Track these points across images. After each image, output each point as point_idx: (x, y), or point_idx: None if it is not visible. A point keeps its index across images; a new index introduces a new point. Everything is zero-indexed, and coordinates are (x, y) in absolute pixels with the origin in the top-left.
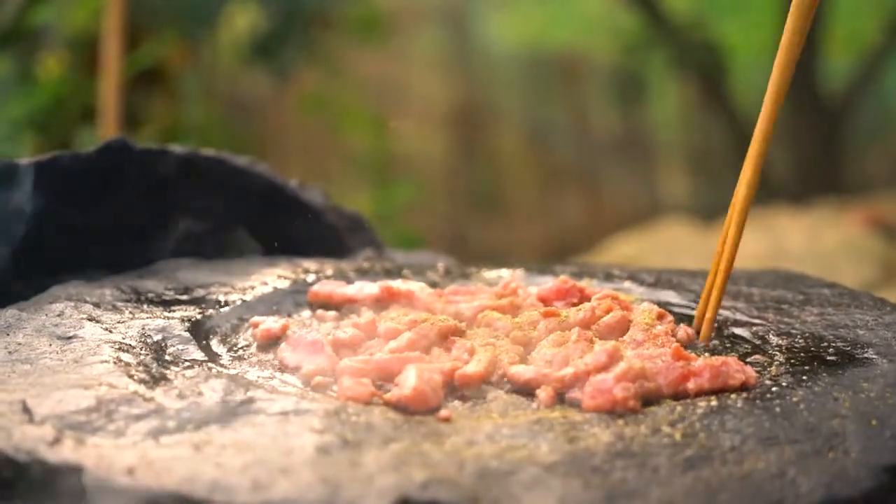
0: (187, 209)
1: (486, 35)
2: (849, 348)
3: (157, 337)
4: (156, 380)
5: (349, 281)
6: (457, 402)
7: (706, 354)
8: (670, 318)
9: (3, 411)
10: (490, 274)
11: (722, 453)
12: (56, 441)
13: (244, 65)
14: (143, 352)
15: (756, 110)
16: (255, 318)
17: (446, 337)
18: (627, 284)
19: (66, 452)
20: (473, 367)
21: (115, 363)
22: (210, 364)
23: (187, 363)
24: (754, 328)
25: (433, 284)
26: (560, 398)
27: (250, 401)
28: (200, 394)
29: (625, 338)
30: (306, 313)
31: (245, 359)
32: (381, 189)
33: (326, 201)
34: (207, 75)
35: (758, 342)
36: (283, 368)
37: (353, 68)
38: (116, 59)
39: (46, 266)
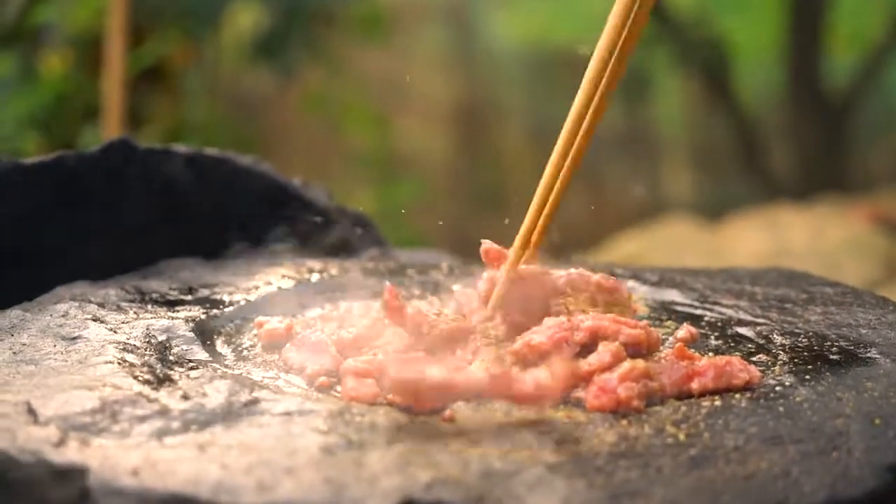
0: (191, 209)
1: (489, 33)
2: (852, 347)
3: (162, 337)
4: (160, 380)
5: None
6: (461, 403)
7: (710, 354)
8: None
9: (8, 412)
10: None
11: (726, 453)
12: (61, 442)
13: (247, 63)
14: (147, 352)
15: (761, 107)
16: (260, 319)
17: (452, 338)
18: (631, 283)
19: (71, 454)
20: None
21: (119, 364)
22: (214, 364)
23: (192, 364)
24: (758, 327)
25: (437, 283)
26: (564, 398)
27: (255, 401)
28: (205, 394)
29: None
30: (311, 313)
31: (250, 359)
32: (384, 187)
33: (330, 201)
34: (210, 74)
35: (761, 341)
36: (287, 369)
37: (356, 66)
38: (119, 58)
39: (50, 266)
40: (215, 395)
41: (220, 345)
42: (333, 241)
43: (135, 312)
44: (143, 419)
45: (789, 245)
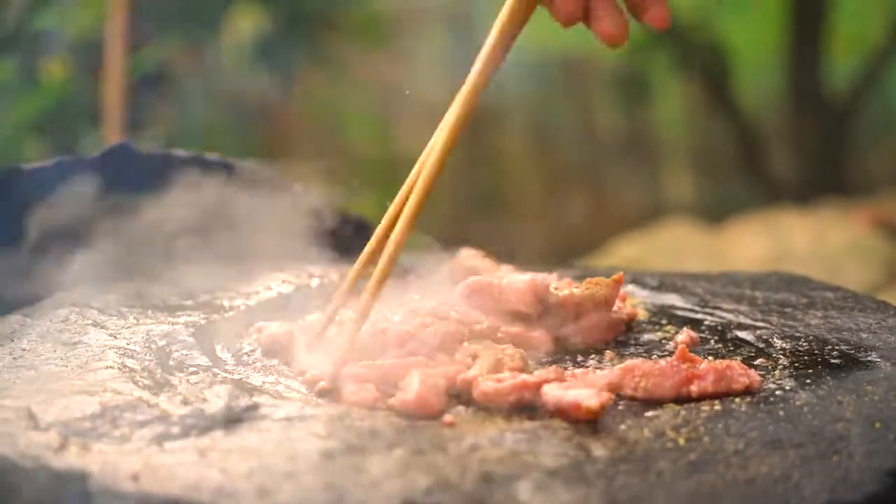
0: (191, 213)
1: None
2: (852, 351)
3: (162, 342)
4: (160, 386)
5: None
6: (461, 408)
7: (710, 358)
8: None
9: (9, 418)
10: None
11: (726, 457)
12: (61, 447)
13: (248, 68)
14: (147, 357)
15: (761, 110)
16: (260, 324)
17: (451, 342)
18: (631, 288)
19: (72, 459)
20: (475, 372)
21: (119, 369)
22: (215, 370)
23: (192, 369)
24: (758, 332)
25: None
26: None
27: (255, 406)
28: (205, 400)
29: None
30: (311, 318)
31: (249, 364)
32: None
33: (331, 206)
34: (211, 78)
35: (762, 345)
36: (287, 374)
37: (357, 71)
38: (120, 63)
39: (51, 269)
40: (215, 400)
41: (220, 350)
42: (334, 247)
43: (135, 318)
44: (143, 424)
45: (790, 248)
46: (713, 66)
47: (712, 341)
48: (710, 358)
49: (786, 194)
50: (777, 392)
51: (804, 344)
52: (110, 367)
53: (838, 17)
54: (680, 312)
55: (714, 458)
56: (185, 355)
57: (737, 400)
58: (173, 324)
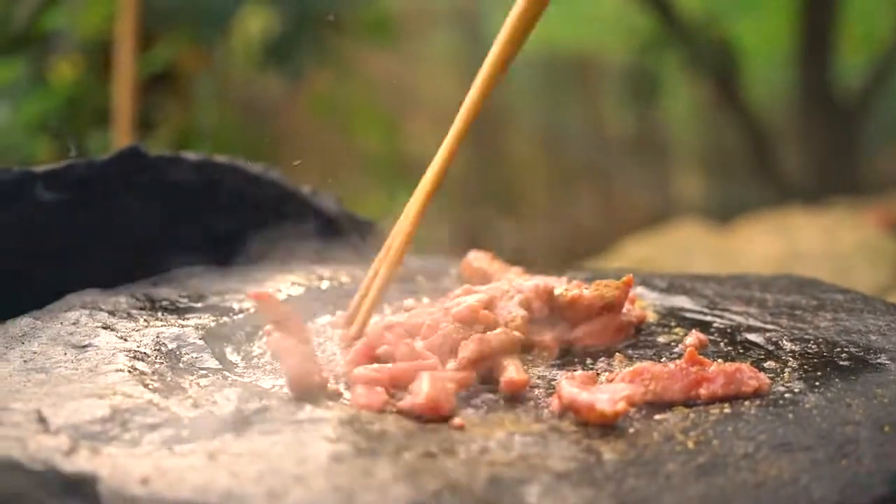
0: (200, 216)
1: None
2: (862, 354)
3: (172, 345)
4: (170, 389)
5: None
6: (470, 410)
7: (719, 360)
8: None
9: (19, 421)
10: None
11: (735, 460)
12: (71, 451)
13: (257, 68)
14: (157, 360)
15: (771, 109)
16: (269, 326)
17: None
18: (640, 290)
19: (82, 462)
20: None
21: (129, 372)
22: (225, 372)
23: (202, 372)
24: (768, 334)
25: (445, 290)
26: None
27: (264, 409)
28: (215, 403)
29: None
30: (322, 320)
31: (259, 367)
32: (394, 192)
33: (340, 208)
34: (220, 78)
35: (771, 348)
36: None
37: (366, 70)
38: (129, 63)
39: (61, 273)
40: (225, 403)
41: (230, 353)
42: (343, 249)
43: (145, 320)
44: (153, 427)
45: (800, 249)
46: (723, 65)
47: (721, 344)
48: (719, 360)
49: (796, 194)
50: (786, 395)
51: (813, 346)
52: (120, 369)
53: (848, 16)
54: (689, 315)
55: (723, 462)
56: (195, 358)
57: (746, 403)
58: (183, 326)
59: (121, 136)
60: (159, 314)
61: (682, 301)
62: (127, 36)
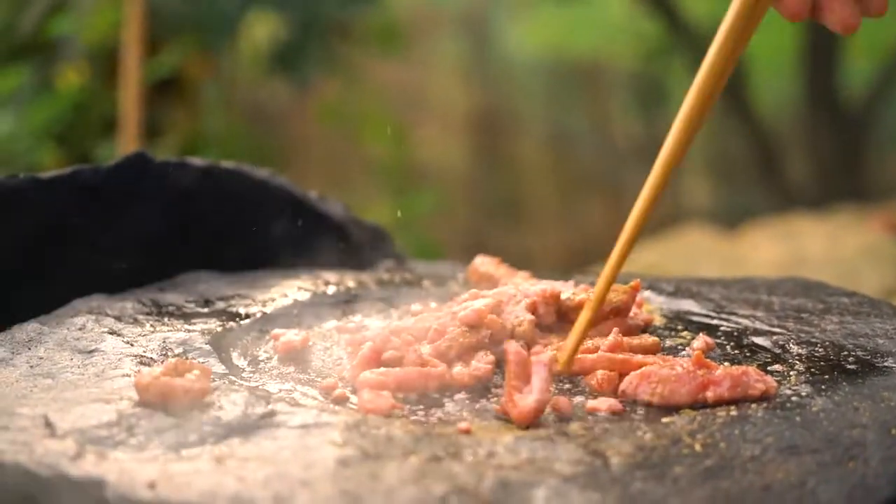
0: (207, 222)
1: (506, 42)
2: (869, 357)
3: (179, 350)
4: None
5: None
6: (477, 414)
7: (726, 364)
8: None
9: (26, 426)
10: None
11: (742, 463)
12: (78, 455)
13: (264, 75)
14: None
15: (777, 116)
16: (276, 331)
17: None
18: (647, 294)
19: (88, 467)
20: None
21: (136, 377)
22: (231, 377)
23: None
24: (774, 337)
25: (452, 294)
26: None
27: (271, 414)
28: (221, 407)
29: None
30: (328, 325)
31: (266, 371)
32: (401, 198)
33: (347, 213)
34: (227, 85)
35: (778, 351)
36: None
37: (374, 77)
38: (136, 70)
39: (67, 279)
40: (232, 407)
41: (236, 357)
42: (350, 254)
43: (151, 325)
44: (159, 432)
45: (806, 254)
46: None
47: (728, 347)
48: (726, 364)
49: (802, 200)
50: (793, 398)
51: (820, 350)
52: (127, 374)
53: None
54: (696, 318)
55: (730, 465)
56: (202, 363)
57: (753, 406)
58: (189, 331)
59: (127, 143)
60: (166, 319)
61: (688, 305)
62: (133, 43)
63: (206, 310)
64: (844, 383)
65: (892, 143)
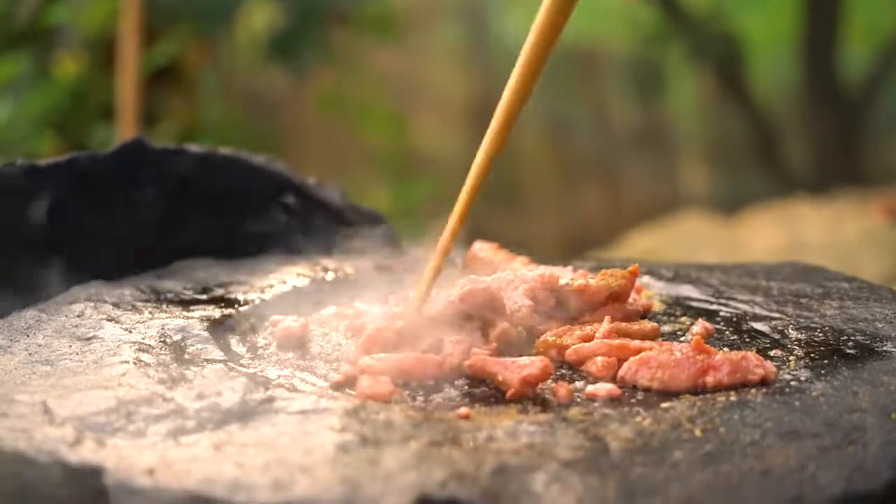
0: (205, 209)
1: (503, 29)
2: (868, 342)
3: (177, 337)
4: (175, 380)
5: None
6: (476, 399)
7: (725, 349)
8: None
9: (24, 413)
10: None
11: (742, 448)
12: (77, 442)
13: (261, 63)
14: (162, 352)
15: (776, 100)
16: (275, 317)
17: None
18: (646, 279)
19: (87, 453)
20: None
21: (134, 364)
22: (230, 363)
23: (207, 363)
24: (773, 322)
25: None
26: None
27: (270, 400)
28: (220, 393)
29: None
30: (326, 311)
31: (265, 357)
32: (399, 185)
33: (344, 200)
34: (225, 73)
35: (777, 336)
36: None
37: (371, 65)
38: (134, 58)
39: (65, 266)
40: (230, 394)
41: (235, 343)
42: (348, 240)
43: (150, 312)
44: (158, 418)
45: (806, 239)
46: (728, 56)
47: (727, 332)
48: (725, 349)
49: (801, 185)
50: (793, 383)
51: (820, 335)
52: (125, 361)
53: (853, 7)
54: (695, 304)
55: (730, 449)
56: (200, 349)
57: (752, 391)
58: (188, 318)
59: (125, 131)
60: (164, 306)
61: (687, 290)
62: (131, 31)
63: (204, 296)
64: (844, 368)
65: (891, 127)
